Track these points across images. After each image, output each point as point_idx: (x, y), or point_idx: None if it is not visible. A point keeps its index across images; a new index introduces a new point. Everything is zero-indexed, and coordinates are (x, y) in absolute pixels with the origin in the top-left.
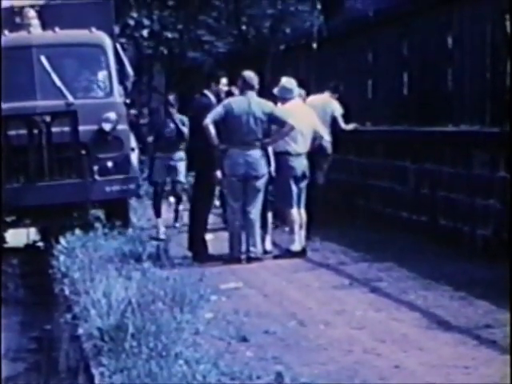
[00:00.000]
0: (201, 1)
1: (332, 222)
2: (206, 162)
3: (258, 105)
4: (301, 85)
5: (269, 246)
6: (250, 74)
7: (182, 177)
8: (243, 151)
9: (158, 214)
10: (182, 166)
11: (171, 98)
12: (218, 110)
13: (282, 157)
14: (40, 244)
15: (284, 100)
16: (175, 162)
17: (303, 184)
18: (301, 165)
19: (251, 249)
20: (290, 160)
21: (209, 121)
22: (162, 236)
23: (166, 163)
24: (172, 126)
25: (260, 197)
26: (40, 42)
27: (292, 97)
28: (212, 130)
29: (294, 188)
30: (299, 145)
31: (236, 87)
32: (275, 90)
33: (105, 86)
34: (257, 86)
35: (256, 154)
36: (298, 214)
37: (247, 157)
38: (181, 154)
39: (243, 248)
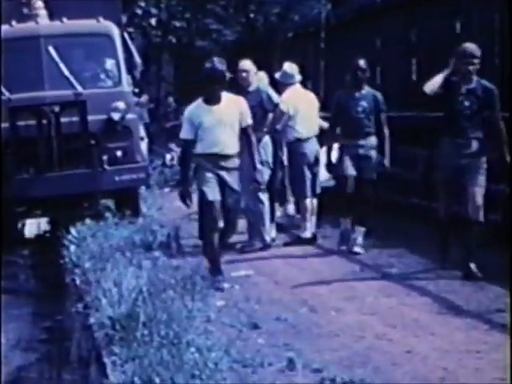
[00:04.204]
0: None
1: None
2: None
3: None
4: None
5: (273, 233)
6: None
7: None
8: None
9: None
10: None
11: None
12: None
13: (293, 145)
14: (50, 234)
15: (285, 85)
16: None
17: (316, 169)
18: (312, 150)
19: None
20: (301, 146)
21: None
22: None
23: None
24: None
25: None
26: (48, 32)
27: (293, 82)
28: None
29: (308, 175)
30: (306, 128)
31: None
32: (277, 75)
33: (113, 75)
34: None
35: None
36: (310, 202)
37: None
38: None
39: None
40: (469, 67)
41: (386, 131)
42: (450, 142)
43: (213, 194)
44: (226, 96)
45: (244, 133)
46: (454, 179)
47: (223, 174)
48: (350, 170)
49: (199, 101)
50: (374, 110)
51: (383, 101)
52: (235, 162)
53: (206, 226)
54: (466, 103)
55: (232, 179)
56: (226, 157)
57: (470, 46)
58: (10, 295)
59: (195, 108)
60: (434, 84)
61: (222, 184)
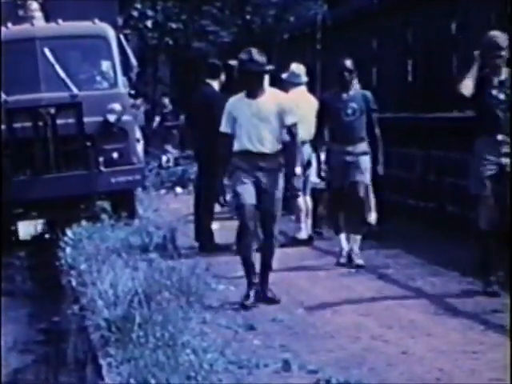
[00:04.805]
0: None
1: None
2: (212, 152)
3: None
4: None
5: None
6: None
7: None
8: None
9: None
10: None
11: None
12: None
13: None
14: (47, 236)
15: (290, 86)
16: None
17: (308, 171)
18: (305, 153)
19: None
20: None
21: None
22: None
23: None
24: None
25: None
26: (43, 34)
27: (300, 82)
28: None
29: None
30: (302, 130)
31: None
32: (284, 75)
33: (109, 77)
34: None
35: None
36: (304, 202)
37: None
38: None
39: None
40: (496, 61)
41: (378, 133)
42: (488, 140)
43: (247, 196)
44: (269, 90)
45: (288, 132)
46: (496, 182)
47: (260, 175)
48: (337, 179)
49: (242, 94)
50: (366, 111)
51: (374, 99)
52: (275, 163)
53: (238, 231)
54: (501, 96)
55: (270, 181)
56: (264, 155)
57: (495, 37)
58: (6, 297)
59: (235, 100)
60: (468, 84)
61: (258, 186)
